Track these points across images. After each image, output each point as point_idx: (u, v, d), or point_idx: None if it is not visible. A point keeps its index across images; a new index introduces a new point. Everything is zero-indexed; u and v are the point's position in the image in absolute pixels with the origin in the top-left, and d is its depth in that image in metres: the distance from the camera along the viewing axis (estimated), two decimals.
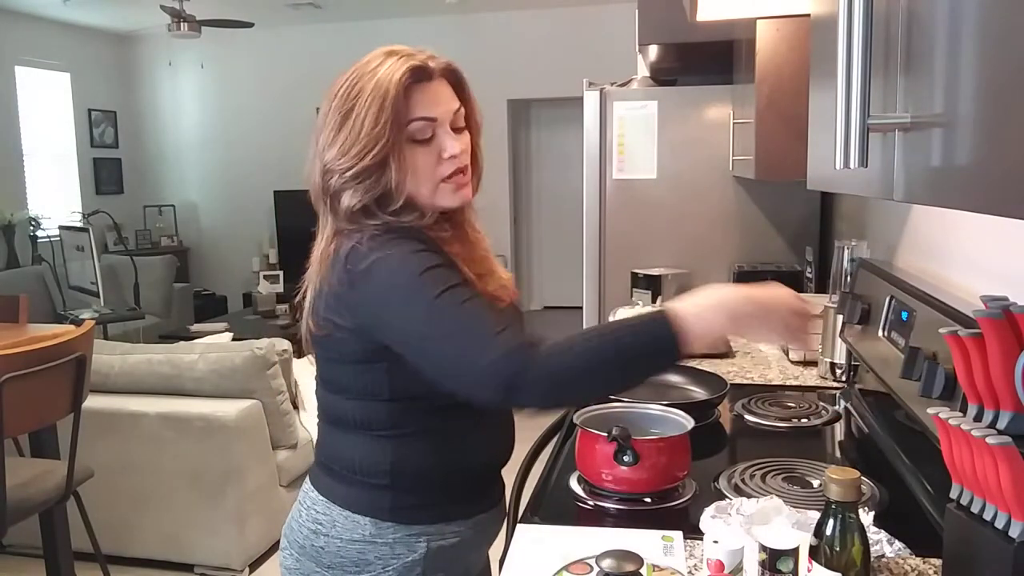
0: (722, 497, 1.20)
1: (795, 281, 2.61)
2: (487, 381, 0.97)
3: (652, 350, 0.99)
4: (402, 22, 7.18)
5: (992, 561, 0.80)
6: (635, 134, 2.90)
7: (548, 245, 8.16)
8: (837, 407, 1.72)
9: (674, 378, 1.79)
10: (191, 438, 2.78)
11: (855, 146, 0.69)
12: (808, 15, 1.16)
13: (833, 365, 1.88)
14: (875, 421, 1.54)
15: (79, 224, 5.59)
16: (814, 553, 0.86)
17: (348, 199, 1.10)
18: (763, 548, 0.89)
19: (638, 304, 2.71)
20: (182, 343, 3.23)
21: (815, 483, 1.27)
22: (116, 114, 7.87)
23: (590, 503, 1.26)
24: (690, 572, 1.02)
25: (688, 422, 1.32)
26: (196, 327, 5.17)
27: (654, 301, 2.74)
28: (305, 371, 3.14)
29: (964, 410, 0.86)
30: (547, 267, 8.19)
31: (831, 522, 0.85)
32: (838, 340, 1.81)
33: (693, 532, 1.10)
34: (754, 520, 1.03)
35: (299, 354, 3.12)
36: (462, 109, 1.15)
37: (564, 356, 0.97)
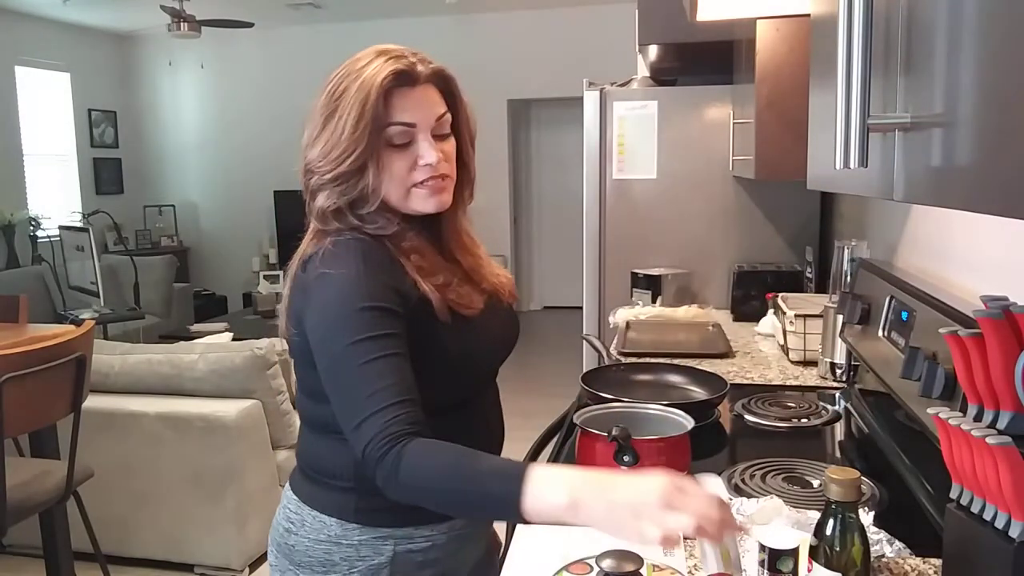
0: None
1: (795, 281, 2.62)
2: (355, 447, 0.98)
3: (493, 512, 0.96)
4: (402, 22, 7.19)
5: (992, 561, 0.80)
6: (635, 134, 2.90)
7: (548, 245, 8.16)
8: (837, 407, 1.72)
9: (674, 378, 1.80)
10: (191, 438, 2.78)
11: (855, 146, 0.69)
12: (808, 15, 1.16)
13: (833, 365, 1.88)
14: (875, 421, 1.54)
15: (79, 224, 5.60)
16: (814, 553, 0.86)
17: (323, 200, 1.11)
18: (763, 548, 0.89)
19: (638, 304, 2.71)
20: (182, 343, 3.23)
21: (815, 483, 1.27)
22: (116, 114, 7.87)
23: None
24: (690, 572, 1.02)
25: (688, 422, 1.32)
26: (196, 327, 5.16)
27: (654, 301, 2.74)
28: None
29: (964, 410, 0.86)
30: (547, 267, 8.19)
31: (831, 522, 0.85)
32: (838, 340, 1.81)
33: None
34: (754, 520, 1.03)
35: None
36: (448, 115, 1.14)
37: (417, 473, 0.94)
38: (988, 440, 0.75)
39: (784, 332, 2.13)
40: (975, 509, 0.82)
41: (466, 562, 1.25)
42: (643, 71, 3.27)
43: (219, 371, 2.84)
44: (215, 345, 3.03)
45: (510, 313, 1.28)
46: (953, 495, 0.86)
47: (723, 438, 1.61)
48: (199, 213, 8.24)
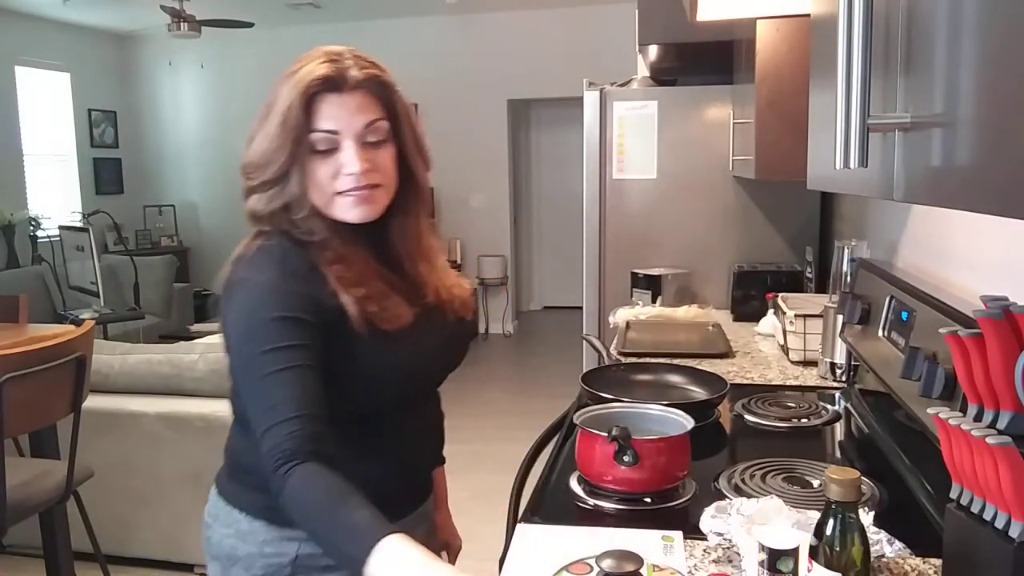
0: (722, 497, 1.20)
1: (795, 281, 2.62)
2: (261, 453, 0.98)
3: (343, 564, 0.93)
4: (402, 22, 7.18)
5: (992, 561, 0.80)
6: (635, 134, 2.90)
7: (548, 245, 8.16)
8: (837, 407, 1.72)
9: (674, 378, 1.80)
10: (191, 438, 2.78)
11: (855, 146, 0.69)
12: (808, 15, 1.17)
13: (833, 365, 1.88)
14: (875, 421, 1.54)
15: (79, 224, 5.60)
16: (814, 553, 0.86)
17: (253, 202, 1.11)
18: (763, 548, 0.89)
19: (638, 304, 2.71)
20: (182, 343, 3.23)
21: (815, 483, 1.27)
22: (116, 114, 7.87)
23: (590, 503, 1.26)
24: (690, 572, 1.02)
25: (688, 422, 1.32)
26: (196, 327, 5.17)
27: (654, 301, 2.74)
28: None
29: (964, 410, 0.86)
30: (547, 267, 8.19)
31: (831, 522, 0.85)
32: (838, 340, 1.81)
33: (693, 532, 1.09)
34: (754, 520, 1.03)
35: None
36: (383, 122, 1.11)
37: (290, 505, 0.95)
38: (988, 440, 0.75)
39: (784, 332, 2.13)
40: (975, 509, 0.82)
41: None
42: (643, 71, 3.27)
43: (219, 371, 2.83)
44: (215, 345, 3.02)
45: (457, 327, 1.24)
46: (953, 495, 0.86)
47: (723, 438, 1.61)
48: (199, 213, 8.23)
